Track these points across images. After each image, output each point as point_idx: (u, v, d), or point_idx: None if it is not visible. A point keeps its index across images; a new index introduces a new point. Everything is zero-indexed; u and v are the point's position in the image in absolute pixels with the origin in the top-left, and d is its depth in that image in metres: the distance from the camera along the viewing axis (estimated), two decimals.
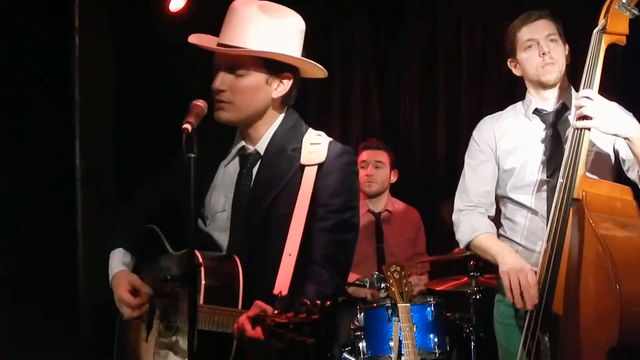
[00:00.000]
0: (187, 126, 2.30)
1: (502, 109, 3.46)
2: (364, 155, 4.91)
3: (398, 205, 5.00)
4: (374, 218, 4.90)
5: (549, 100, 3.26)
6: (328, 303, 2.06)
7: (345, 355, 4.21)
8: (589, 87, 2.97)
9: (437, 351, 4.10)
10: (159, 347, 2.59)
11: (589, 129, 2.93)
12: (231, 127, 2.67)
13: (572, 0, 4.86)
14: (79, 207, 2.62)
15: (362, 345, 4.15)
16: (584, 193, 2.88)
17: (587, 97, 2.92)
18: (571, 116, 3.13)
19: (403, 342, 3.89)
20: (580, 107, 2.92)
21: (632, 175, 3.09)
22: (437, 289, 4.52)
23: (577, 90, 3.11)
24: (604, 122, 2.92)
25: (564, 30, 3.26)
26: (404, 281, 3.98)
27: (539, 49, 3.18)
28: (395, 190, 5.06)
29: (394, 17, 5.57)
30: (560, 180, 2.95)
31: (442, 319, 4.20)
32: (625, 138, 2.95)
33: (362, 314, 4.19)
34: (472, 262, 4.24)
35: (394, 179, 4.99)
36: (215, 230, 2.60)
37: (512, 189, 3.26)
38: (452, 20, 5.51)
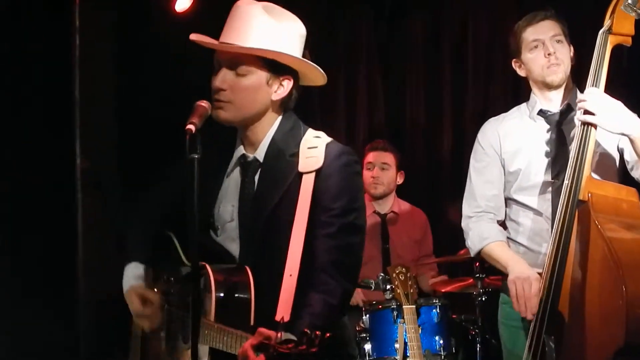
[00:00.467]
0: (191, 127, 2.29)
1: (509, 107, 3.44)
2: (370, 157, 4.91)
3: (404, 206, 5.00)
4: (380, 219, 4.90)
5: (553, 101, 3.25)
6: (328, 335, 2.03)
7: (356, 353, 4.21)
8: (595, 87, 2.96)
9: (442, 353, 4.10)
10: (180, 358, 2.59)
11: (593, 126, 2.92)
12: (232, 133, 2.65)
13: (577, 1, 4.86)
14: (79, 207, 2.62)
15: (367, 346, 4.16)
16: (589, 194, 2.87)
17: (592, 94, 2.92)
18: (576, 117, 3.12)
19: (408, 343, 3.89)
20: (583, 101, 2.92)
21: (636, 174, 3.08)
22: (443, 290, 4.51)
23: (582, 91, 3.10)
24: (606, 119, 2.91)
25: (569, 31, 3.25)
26: (410, 282, 3.98)
27: (544, 50, 3.17)
28: (401, 191, 5.06)
29: (398, 16, 5.57)
30: (565, 181, 2.94)
31: (448, 320, 4.20)
32: (628, 136, 2.94)
33: (368, 315, 4.19)
34: (477, 264, 4.24)
35: (400, 180, 4.98)
36: (227, 241, 2.59)
37: (517, 190, 3.25)
38: (457, 19, 5.51)
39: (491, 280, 4.29)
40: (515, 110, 3.39)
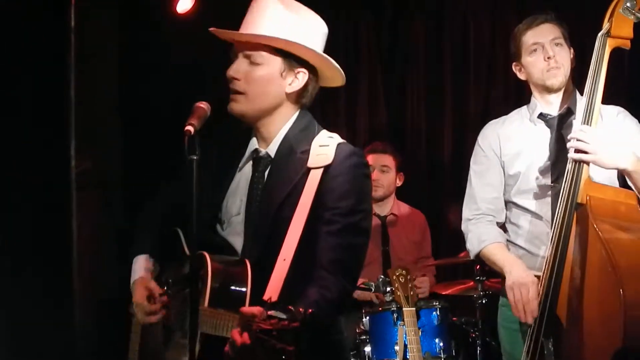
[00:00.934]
0: (190, 128, 2.30)
1: (510, 109, 3.44)
2: (370, 160, 4.89)
3: (404, 208, 4.99)
4: (380, 221, 4.89)
5: (553, 105, 3.25)
6: (310, 311, 2.03)
7: (351, 359, 4.21)
8: (594, 90, 2.97)
9: (442, 355, 4.09)
10: (177, 351, 2.59)
11: (586, 163, 2.92)
12: (247, 130, 2.65)
13: (577, 3, 4.86)
14: (74, 209, 2.62)
15: (367, 349, 4.16)
16: (588, 197, 2.87)
17: (583, 133, 2.92)
18: (576, 121, 3.12)
19: (408, 346, 3.88)
20: (575, 139, 2.92)
21: None
22: (443, 292, 4.51)
23: (581, 94, 3.11)
24: (599, 157, 2.91)
25: (569, 34, 3.25)
26: (410, 285, 3.98)
27: (544, 53, 3.17)
28: (402, 192, 5.05)
29: (399, 17, 5.57)
30: (564, 184, 2.94)
31: (448, 323, 4.19)
32: (622, 170, 2.95)
33: (368, 317, 4.19)
34: (478, 266, 4.23)
35: (399, 182, 4.97)
36: (231, 235, 2.59)
37: (517, 193, 3.25)
38: (459, 21, 5.50)
39: (492, 282, 4.29)
40: (515, 113, 3.39)
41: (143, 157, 4.92)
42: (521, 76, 3.31)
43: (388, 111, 5.60)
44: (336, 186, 2.47)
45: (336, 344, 2.59)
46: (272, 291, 2.31)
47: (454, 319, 4.35)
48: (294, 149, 2.55)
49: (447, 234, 5.25)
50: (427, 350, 4.04)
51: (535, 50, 3.19)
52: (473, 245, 3.28)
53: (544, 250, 3.04)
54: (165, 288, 2.61)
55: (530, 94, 3.33)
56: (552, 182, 3.15)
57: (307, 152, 2.53)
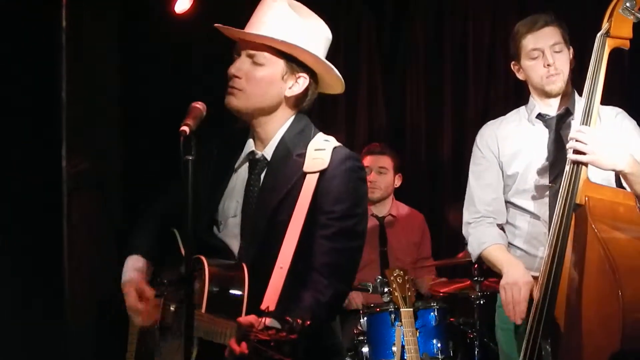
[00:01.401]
0: (185, 128, 2.29)
1: (510, 109, 3.44)
2: (367, 161, 4.88)
3: (402, 209, 4.98)
4: (378, 222, 4.88)
5: (552, 106, 3.24)
6: (308, 323, 2.05)
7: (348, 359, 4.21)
8: (593, 91, 2.96)
9: (440, 356, 4.09)
10: (173, 352, 2.58)
11: (584, 164, 2.91)
12: (244, 131, 2.66)
13: (578, 3, 4.85)
14: (64, 210, 2.62)
15: (365, 349, 4.15)
16: (586, 198, 2.86)
17: (582, 134, 2.91)
18: (574, 121, 3.11)
19: (406, 347, 3.87)
20: (575, 140, 2.91)
21: None
22: (442, 291, 4.50)
23: (580, 94, 3.10)
24: (597, 158, 2.89)
25: (569, 33, 3.23)
26: (407, 286, 3.96)
27: (543, 60, 3.15)
28: (401, 192, 5.05)
29: (399, 17, 5.56)
30: (562, 184, 2.93)
31: (446, 323, 4.19)
32: (619, 172, 2.94)
33: (365, 318, 4.18)
34: (476, 266, 4.22)
35: (397, 183, 4.96)
36: (228, 236, 2.59)
37: (515, 193, 3.24)
38: (459, 21, 5.49)
39: (490, 283, 4.27)
40: (514, 114, 3.39)
41: (142, 157, 4.91)
42: (520, 76, 3.30)
43: (388, 111, 5.59)
44: (331, 190, 2.48)
45: (330, 349, 2.59)
46: (269, 300, 2.31)
47: (452, 319, 4.34)
48: (290, 152, 2.55)
49: (446, 234, 5.24)
50: (425, 351, 4.04)
51: (535, 57, 3.17)
52: (473, 249, 3.29)
53: (542, 251, 3.03)
54: (160, 288, 2.60)
55: (529, 94, 3.33)
56: (550, 183, 3.14)
57: (303, 155, 2.53)
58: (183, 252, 2.56)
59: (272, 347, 2.02)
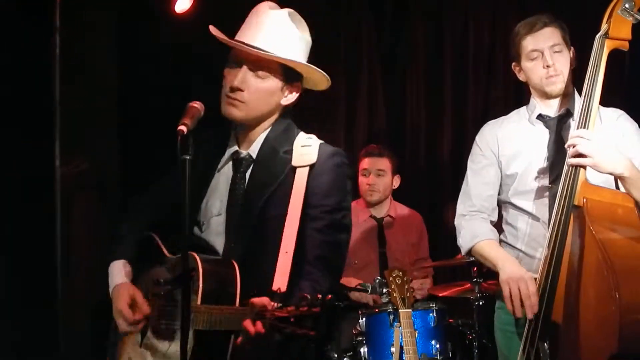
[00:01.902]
0: (183, 128, 2.33)
1: (510, 110, 3.44)
2: (365, 163, 4.88)
3: (401, 210, 4.98)
4: (377, 223, 4.88)
5: (553, 107, 3.24)
6: (330, 296, 2.11)
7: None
8: (592, 92, 2.96)
9: (439, 357, 4.08)
10: (152, 352, 2.59)
11: (583, 167, 2.91)
12: (224, 131, 2.70)
13: (578, 3, 4.84)
14: (58, 210, 2.62)
15: (363, 350, 4.14)
16: (584, 199, 2.86)
17: (582, 137, 2.90)
18: (574, 122, 3.10)
19: (404, 347, 3.86)
20: (574, 145, 2.90)
21: None
22: (440, 294, 4.50)
23: (580, 95, 3.09)
24: (599, 162, 2.89)
25: (570, 34, 3.23)
26: (406, 287, 3.96)
27: (543, 61, 3.15)
28: (400, 193, 5.04)
29: (399, 18, 5.56)
30: (561, 186, 2.92)
31: (445, 325, 4.18)
32: (618, 176, 2.93)
33: (364, 319, 4.18)
34: (475, 268, 4.22)
35: (396, 184, 4.96)
36: (211, 235, 2.62)
37: (515, 194, 3.24)
38: (459, 21, 5.49)
39: (489, 284, 4.26)
40: (514, 114, 3.39)
41: (141, 158, 4.90)
42: (520, 77, 3.30)
43: (388, 111, 5.59)
44: (321, 184, 2.56)
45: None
46: (280, 282, 2.36)
47: (451, 320, 4.34)
48: (277, 149, 2.63)
49: (445, 235, 5.22)
50: (424, 352, 4.03)
51: (535, 57, 3.17)
52: (465, 241, 3.28)
53: (541, 253, 3.02)
54: (158, 287, 2.61)
55: (529, 95, 3.32)
56: (549, 183, 3.14)
57: (290, 152, 2.62)
58: (165, 250, 2.64)
59: (293, 323, 2.07)
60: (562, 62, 3.16)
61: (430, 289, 4.68)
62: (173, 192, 2.64)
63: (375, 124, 5.58)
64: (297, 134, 2.68)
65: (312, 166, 2.56)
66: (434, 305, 4.18)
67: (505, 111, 3.46)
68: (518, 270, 3.03)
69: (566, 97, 3.22)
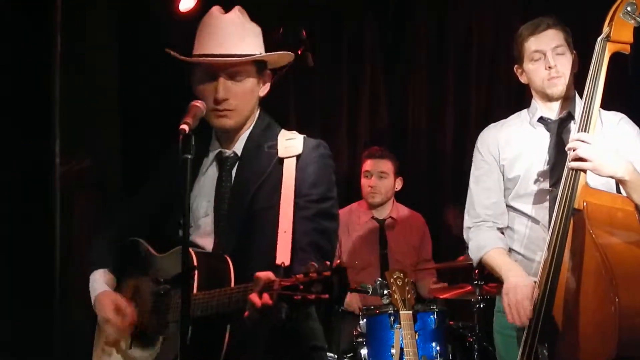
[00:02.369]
0: (185, 127, 2.33)
1: (512, 111, 3.42)
2: (368, 165, 4.89)
3: (403, 211, 4.98)
4: (378, 225, 4.88)
5: (554, 110, 3.22)
6: (338, 260, 2.12)
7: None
8: (593, 95, 2.95)
9: (439, 359, 4.08)
10: (141, 350, 2.60)
11: (583, 171, 2.90)
12: (207, 132, 2.72)
13: (581, 5, 4.83)
14: (57, 208, 2.62)
15: (363, 351, 4.15)
16: (585, 203, 2.85)
17: (582, 141, 2.89)
18: (575, 125, 3.10)
19: (404, 349, 3.87)
20: (575, 148, 2.90)
21: None
22: (441, 296, 4.49)
23: (582, 98, 3.08)
24: (599, 165, 2.88)
25: (572, 37, 3.22)
26: (407, 288, 3.96)
27: (545, 62, 3.14)
28: (402, 195, 5.04)
29: (402, 18, 5.56)
30: (561, 189, 2.92)
31: (445, 327, 4.19)
32: (618, 179, 2.92)
33: (365, 320, 4.18)
34: (476, 271, 4.22)
35: (398, 186, 4.96)
36: (200, 236, 2.63)
37: (515, 197, 3.23)
38: (461, 22, 5.49)
39: (490, 287, 4.26)
40: (515, 117, 3.37)
41: (142, 157, 4.90)
42: (522, 80, 3.29)
43: (389, 112, 5.59)
44: (308, 175, 2.59)
45: (308, 331, 2.65)
46: (283, 257, 2.38)
47: (451, 322, 4.34)
48: (261, 145, 2.66)
49: (447, 237, 5.23)
50: (424, 354, 4.04)
51: (537, 59, 3.16)
52: (474, 254, 3.28)
53: (540, 256, 3.01)
54: (159, 286, 2.61)
55: (531, 96, 3.31)
56: (550, 187, 3.12)
57: (275, 146, 2.65)
58: (154, 252, 2.64)
59: (302, 290, 2.08)
60: (564, 64, 3.15)
61: (431, 289, 4.68)
62: (156, 196, 2.71)
63: (377, 124, 5.58)
64: (279, 131, 2.72)
65: (298, 157, 2.60)
66: (434, 307, 4.19)
67: (508, 112, 3.45)
68: (517, 279, 3.03)
69: (567, 100, 3.20)
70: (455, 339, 4.30)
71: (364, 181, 4.88)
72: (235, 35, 2.61)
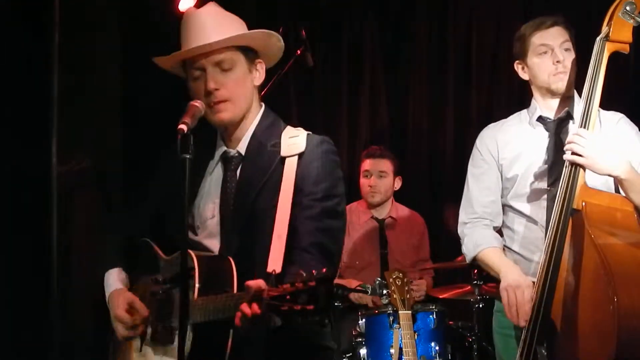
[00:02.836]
0: (183, 127, 2.32)
1: (513, 111, 3.42)
2: (367, 165, 4.89)
3: (402, 211, 4.98)
4: (378, 225, 4.88)
5: (553, 108, 3.22)
6: (324, 270, 2.09)
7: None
8: (592, 95, 2.95)
9: (438, 359, 4.08)
10: (153, 354, 2.59)
11: (581, 166, 2.90)
12: (211, 133, 2.70)
13: (582, 5, 4.83)
14: (54, 208, 2.62)
15: (362, 351, 4.15)
16: (583, 203, 2.84)
17: (580, 136, 2.89)
18: (574, 125, 3.09)
19: (404, 349, 3.87)
20: (572, 142, 2.90)
21: None
22: (441, 296, 4.49)
23: (580, 97, 3.08)
24: (594, 162, 2.88)
25: (575, 38, 3.22)
26: (406, 288, 3.96)
27: (553, 57, 3.13)
28: (401, 194, 5.04)
29: (403, 18, 5.56)
30: (559, 189, 2.91)
31: (444, 327, 4.18)
32: (615, 177, 2.92)
33: (364, 320, 4.18)
34: (475, 270, 4.22)
35: (397, 186, 4.96)
36: (207, 238, 2.62)
37: (514, 197, 3.23)
38: (462, 23, 5.49)
39: (489, 287, 4.26)
40: (515, 117, 3.37)
41: (142, 157, 4.90)
42: (523, 76, 3.27)
43: (390, 111, 5.59)
44: (311, 172, 2.55)
45: (317, 331, 2.63)
46: (275, 265, 2.35)
47: (451, 322, 4.34)
48: (264, 144, 2.62)
49: (446, 237, 5.22)
50: (423, 354, 4.04)
51: (544, 52, 3.15)
52: (469, 250, 3.27)
53: (538, 256, 3.01)
54: (158, 286, 2.61)
55: (531, 96, 3.31)
56: (548, 186, 3.12)
57: (278, 144, 2.61)
58: (161, 253, 2.63)
59: (288, 300, 2.06)
60: (570, 61, 3.15)
61: (430, 290, 4.68)
62: (163, 196, 2.68)
63: (378, 123, 5.58)
64: (284, 128, 2.68)
65: (300, 155, 2.56)
66: (433, 307, 4.18)
67: (508, 112, 3.45)
68: (518, 278, 3.02)
69: (567, 99, 3.20)
70: (455, 338, 4.29)
71: (363, 181, 4.88)
72: (211, 24, 2.58)
